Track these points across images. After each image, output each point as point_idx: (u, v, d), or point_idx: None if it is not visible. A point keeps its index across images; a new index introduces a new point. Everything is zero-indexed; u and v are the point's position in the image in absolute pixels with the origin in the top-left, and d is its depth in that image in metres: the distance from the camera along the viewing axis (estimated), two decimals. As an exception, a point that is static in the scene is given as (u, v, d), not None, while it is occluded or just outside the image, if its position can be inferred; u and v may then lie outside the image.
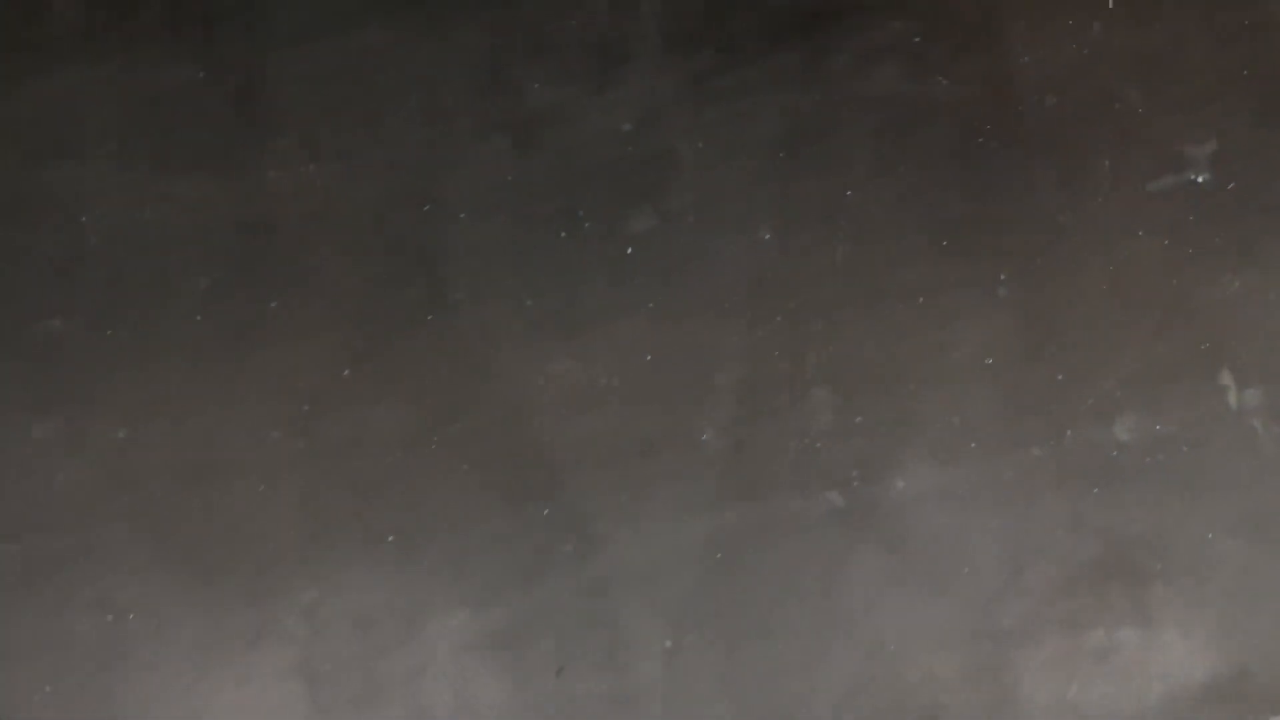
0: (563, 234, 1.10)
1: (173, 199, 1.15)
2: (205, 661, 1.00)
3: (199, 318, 1.10)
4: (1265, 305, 1.02)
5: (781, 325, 1.05)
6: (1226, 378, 1.01)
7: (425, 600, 1.00)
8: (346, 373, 1.07)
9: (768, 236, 1.08)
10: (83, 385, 1.09)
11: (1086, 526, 0.97)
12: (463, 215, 1.12)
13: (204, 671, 0.99)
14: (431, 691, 0.97)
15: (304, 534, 1.02)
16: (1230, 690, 0.93)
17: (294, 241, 1.12)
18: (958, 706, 0.94)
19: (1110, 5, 1.13)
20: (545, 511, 1.02)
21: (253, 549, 1.03)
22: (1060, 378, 1.02)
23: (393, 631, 0.99)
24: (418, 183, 1.13)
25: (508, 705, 0.96)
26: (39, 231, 1.14)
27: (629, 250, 1.09)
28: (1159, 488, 0.98)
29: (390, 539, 1.02)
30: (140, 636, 1.01)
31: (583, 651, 0.97)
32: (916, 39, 1.14)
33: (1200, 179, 1.07)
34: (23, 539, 1.04)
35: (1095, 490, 0.99)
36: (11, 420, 1.08)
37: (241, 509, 1.04)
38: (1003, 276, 1.05)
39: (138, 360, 1.09)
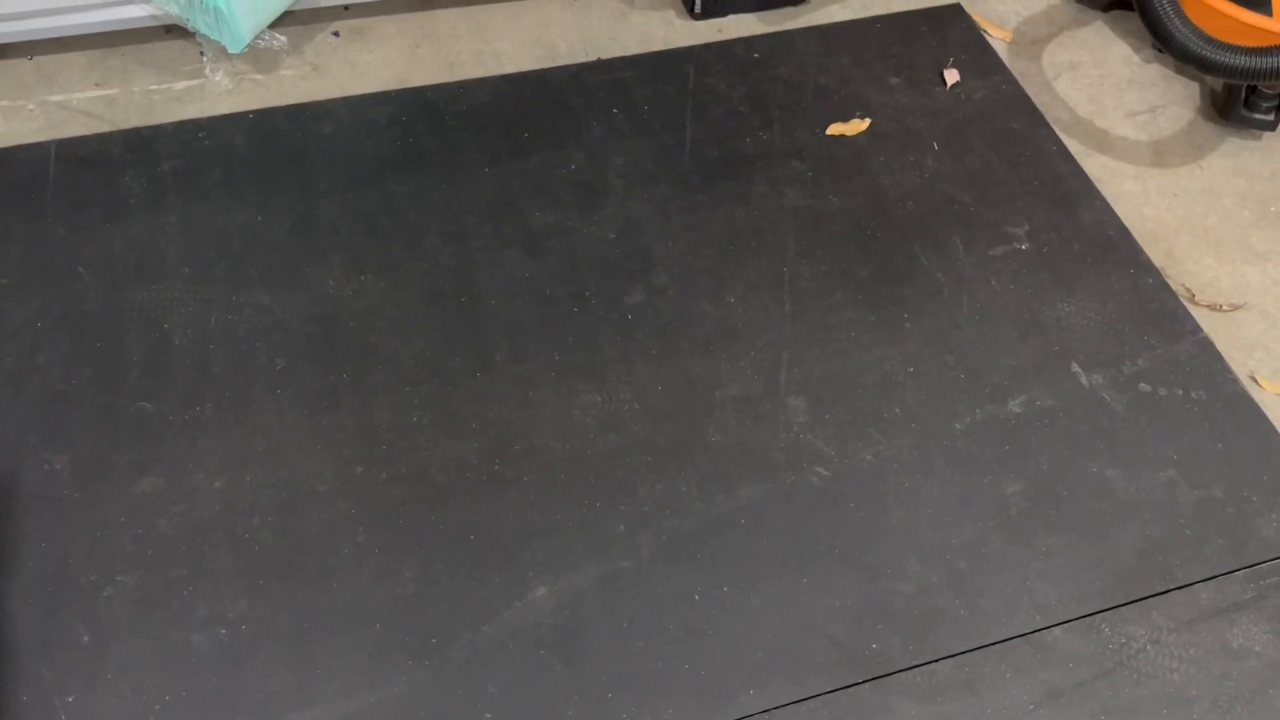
0: (575, 309, 1.41)
1: (244, 308, 1.38)
2: (310, 658, 1.12)
3: (279, 391, 1.31)
4: (1089, 319, 1.44)
5: (754, 359, 1.38)
6: (1076, 367, 1.40)
7: (504, 579, 1.18)
8: (415, 418, 1.30)
9: (732, 300, 1.43)
10: (179, 451, 1.25)
11: (1006, 470, 1.30)
12: (493, 302, 1.41)
13: (311, 666, 1.12)
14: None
15: (392, 540, 1.20)
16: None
17: (356, 330, 1.37)
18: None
19: (935, 147, 1.62)
20: (598, 504, 1.24)
21: (343, 561, 1.19)
22: (962, 376, 1.38)
23: (484, 605, 1.16)
24: (453, 283, 1.42)
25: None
26: (127, 339, 1.34)
27: (629, 316, 1.41)
28: (1047, 442, 1.33)
29: (471, 537, 1.21)
30: (252, 646, 1.13)
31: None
32: (809, 173, 1.58)
33: (1023, 247, 1.52)
34: (136, 573, 1.16)
35: (1005, 447, 1.32)
36: (117, 482, 1.22)
37: (332, 528, 1.21)
38: (905, 315, 1.43)
39: (226, 428, 1.28)
